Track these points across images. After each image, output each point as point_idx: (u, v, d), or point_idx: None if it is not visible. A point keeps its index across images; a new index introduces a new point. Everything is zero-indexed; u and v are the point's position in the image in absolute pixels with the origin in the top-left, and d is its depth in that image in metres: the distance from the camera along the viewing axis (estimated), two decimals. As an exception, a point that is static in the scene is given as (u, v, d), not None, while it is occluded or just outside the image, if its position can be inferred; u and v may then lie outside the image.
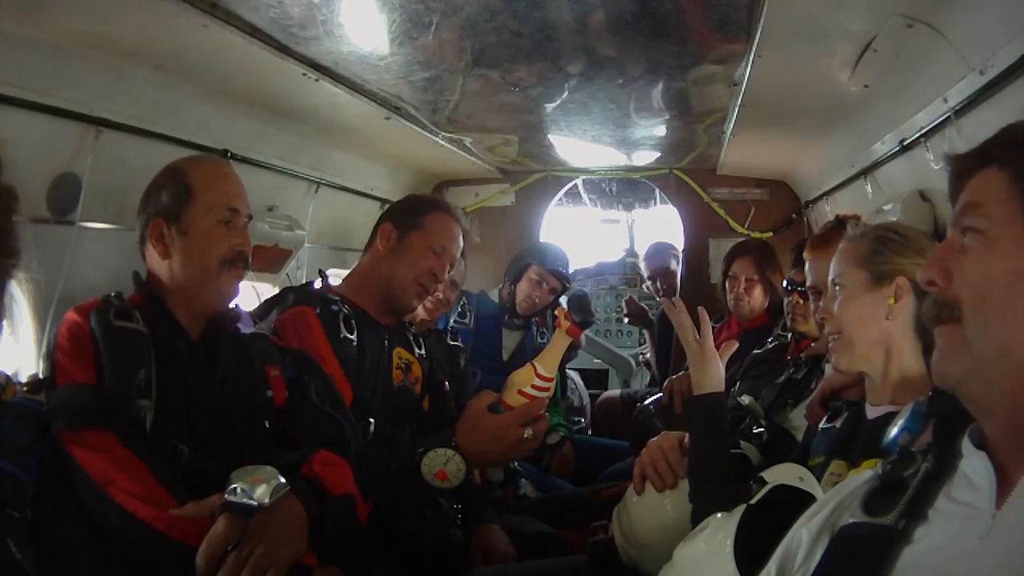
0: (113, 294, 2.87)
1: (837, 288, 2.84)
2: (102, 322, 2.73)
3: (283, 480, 2.59)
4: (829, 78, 3.81)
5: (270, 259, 4.69)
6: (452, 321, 6.02)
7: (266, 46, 3.32)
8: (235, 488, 2.49)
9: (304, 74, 3.68)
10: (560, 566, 3.51)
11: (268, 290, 4.88)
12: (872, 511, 1.61)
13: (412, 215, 3.90)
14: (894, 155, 4.24)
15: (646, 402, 5.08)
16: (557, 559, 3.70)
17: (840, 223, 3.67)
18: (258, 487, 2.51)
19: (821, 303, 3.53)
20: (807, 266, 3.73)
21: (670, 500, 2.98)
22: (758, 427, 3.71)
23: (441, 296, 5.00)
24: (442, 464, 3.28)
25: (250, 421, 3.03)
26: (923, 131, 3.69)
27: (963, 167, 1.55)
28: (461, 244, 4.00)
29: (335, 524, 2.82)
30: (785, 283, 4.66)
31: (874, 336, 2.75)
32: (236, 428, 2.97)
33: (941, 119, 3.44)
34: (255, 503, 2.48)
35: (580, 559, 3.43)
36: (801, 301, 4.42)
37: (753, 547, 2.18)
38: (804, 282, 4.23)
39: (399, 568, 3.36)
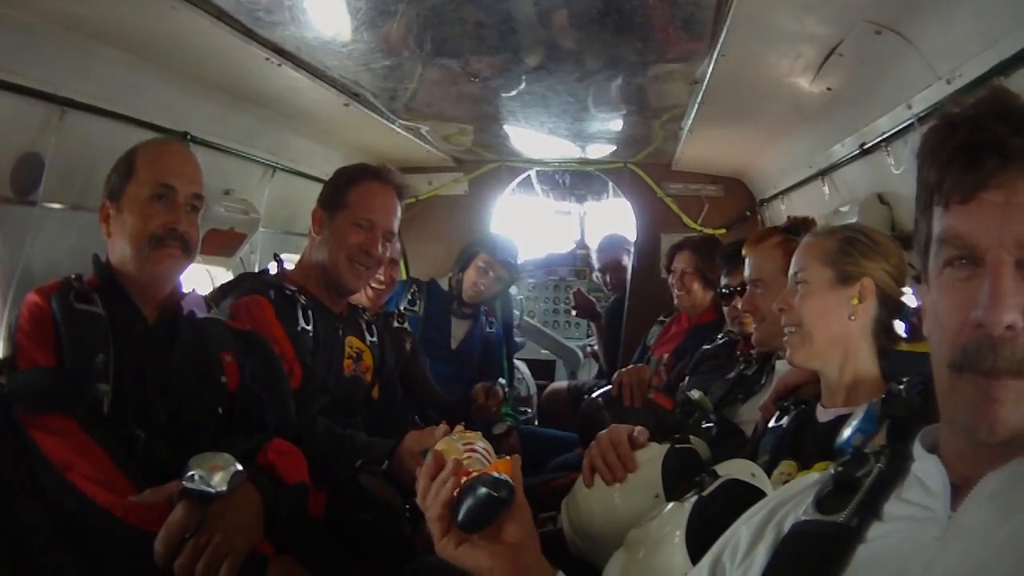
0: (73, 276, 2.85)
1: (799, 283, 2.85)
2: (63, 305, 2.72)
3: (240, 467, 2.61)
4: (792, 80, 3.84)
5: (224, 243, 4.65)
6: (403, 307, 6.01)
7: (232, 29, 3.29)
8: (193, 475, 2.51)
9: (267, 59, 3.66)
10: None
11: (222, 274, 4.88)
12: (825, 510, 1.59)
13: (337, 194, 3.85)
14: (853, 158, 4.28)
15: (594, 394, 5.06)
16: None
17: (789, 227, 3.71)
18: (215, 474, 2.53)
19: (761, 295, 3.58)
20: (747, 261, 3.75)
21: (619, 493, 2.97)
22: (707, 422, 3.72)
23: (383, 278, 4.98)
24: (378, 485, 3.31)
25: (204, 407, 3.03)
26: (885, 135, 3.74)
27: (1014, 148, 1.32)
28: (396, 207, 3.92)
29: (289, 513, 2.83)
30: (723, 289, 4.69)
31: (834, 333, 2.78)
32: (191, 414, 2.95)
33: (904, 125, 3.47)
34: (213, 490, 2.50)
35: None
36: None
37: (703, 538, 2.20)
38: (739, 286, 4.27)
39: (349, 559, 3.33)
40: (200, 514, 2.46)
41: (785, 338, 2.92)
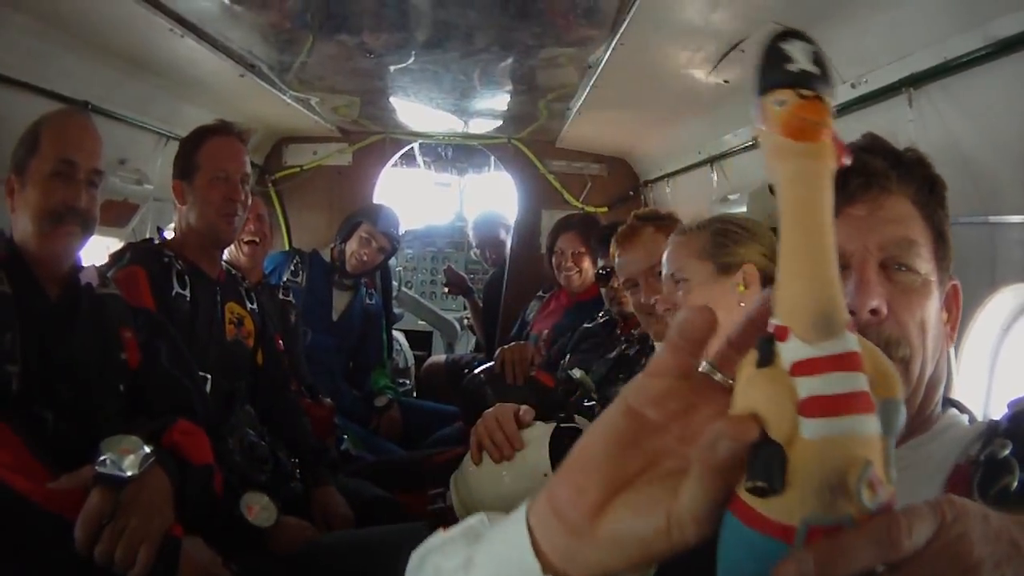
0: None
1: (679, 282, 2.89)
2: None
3: (148, 450, 2.63)
4: (688, 71, 3.90)
5: (118, 214, 4.62)
6: (285, 279, 6.01)
7: (140, -1, 3.26)
8: (104, 459, 2.53)
9: (171, 29, 3.62)
10: (401, 532, 3.56)
11: (116, 245, 4.77)
12: None
13: (187, 161, 3.87)
14: (746, 148, 4.37)
15: (477, 370, 5.11)
16: (398, 526, 3.76)
17: (640, 218, 3.80)
18: (126, 457, 2.56)
19: (641, 295, 3.66)
20: (618, 261, 3.81)
21: (507, 471, 3.03)
22: (589, 400, 3.78)
23: (253, 228, 5.03)
24: (257, 503, 3.36)
25: (106, 385, 3.00)
26: (782, 130, 3.77)
27: (878, 171, 1.61)
28: (242, 151, 3.96)
29: (196, 494, 2.86)
30: (600, 271, 4.75)
31: (726, 326, 2.83)
32: (93, 392, 2.93)
33: (803, 121, 3.52)
34: (125, 474, 2.52)
35: (420, 525, 3.47)
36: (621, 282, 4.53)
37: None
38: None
39: (250, 536, 3.34)
40: (114, 499, 2.48)
41: None
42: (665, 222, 3.72)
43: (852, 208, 1.60)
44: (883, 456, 0.77)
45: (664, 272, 3.01)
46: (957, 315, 1.70)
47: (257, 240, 5.12)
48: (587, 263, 5.77)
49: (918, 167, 1.65)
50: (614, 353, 4.18)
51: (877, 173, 1.60)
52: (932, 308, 1.57)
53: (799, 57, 0.81)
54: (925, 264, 1.57)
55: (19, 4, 3.20)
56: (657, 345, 3.76)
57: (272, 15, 3.67)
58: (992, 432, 1.48)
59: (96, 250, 4.54)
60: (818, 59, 0.81)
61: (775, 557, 0.73)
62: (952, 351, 2.66)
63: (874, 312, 1.52)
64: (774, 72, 0.81)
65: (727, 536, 0.78)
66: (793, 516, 0.73)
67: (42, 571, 2.47)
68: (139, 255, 3.68)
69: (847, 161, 0.79)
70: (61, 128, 2.98)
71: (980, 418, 1.67)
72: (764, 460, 0.73)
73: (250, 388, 3.95)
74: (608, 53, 3.78)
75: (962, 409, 1.70)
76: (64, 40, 3.62)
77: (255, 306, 4.14)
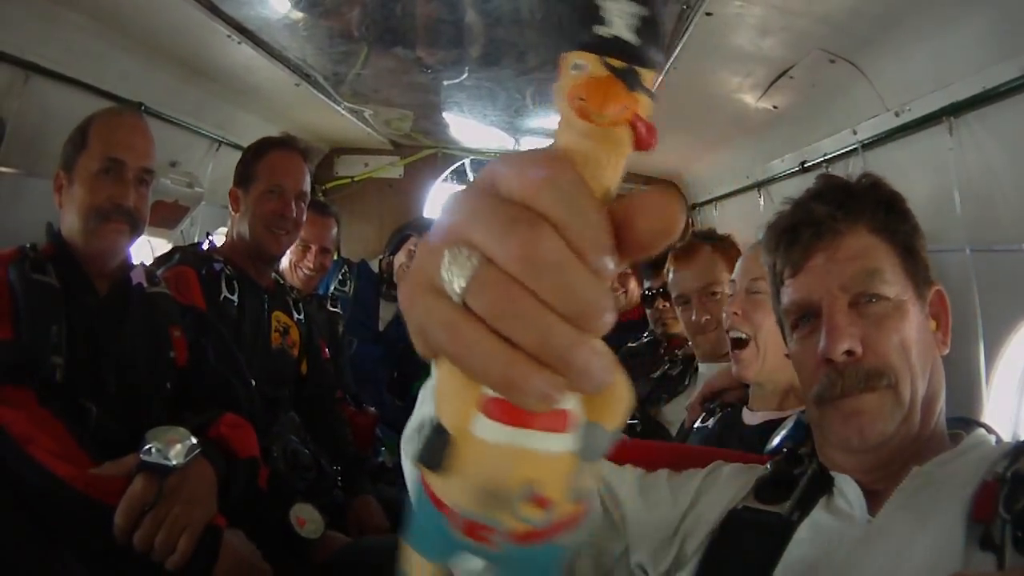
0: (28, 245, 2.85)
1: (755, 293, 2.85)
2: (20, 275, 2.72)
3: (195, 441, 2.65)
4: (738, 96, 3.93)
5: (167, 215, 4.66)
6: (333, 288, 6.04)
7: (198, 4, 3.30)
8: (151, 448, 2.54)
9: (229, 36, 3.67)
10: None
11: (163, 246, 4.80)
12: (764, 499, 1.71)
13: (247, 170, 3.92)
14: (793, 174, 4.37)
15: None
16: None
17: (699, 236, 3.81)
18: (172, 447, 2.57)
19: (692, 313, 3.66)
20: (672, 277, 3.81)
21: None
22: (632, 419, 3.79)
23: (312, 264, 5.04)
24: (308, 516, 3.38)
25: (153, 381, 3.03)
26: (827, 156, 3.83)
27: (822, 217, 1.68)
28: (303, 169, 3.97)
29: (241, 486, 2.87)
30: (646, 292, 4.76)
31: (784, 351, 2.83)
32: (140, 388, 2.96)
33: (848, 149, 3.57)
34: (170, 463, 2.54)
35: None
36: (667, 304, 4.51)
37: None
38: (661, 287, 4.35)
39: (289, 534, 3.37)
40: (158, 487, 2.50)
41: (735, 352, 2.93)
42: (723, 243, 3.72)
43: (810, 261, 1.69)
44: (565, 477, 0.70)
45: (745, 279, 2.93)
46: (947, 320, 1.76)
47: (315, 272, 5.14)
48: (633, 284, 5.77)
49: (870, 193, 1.72)
50: (658, 373, 4.19)
51: (823, 220, 1.67)
52: (910, 327, 1.63)
53: (617, 20, 0.64)
54: (893, 287, 1.64)
55: (77, 4, 3.26)
56: (701, 366, 3.77)
57: (329, 26, 3.73)
58: (1019, 450, 1.52)
59: (143, 249, 4.60)
60: (645, 27, 0.64)
61: (438, 526, 0.71)
62: (984, 376, 2.68)
63: (849, 353, 1.59)
64: (580, 29, 0.65)
65: (416, 491, 0.75)
66: (453, 501, 0.69)
67: (81, 556, 2.50)
68: (188, 257, 3.73)
69: (654, 143, 0.66)
70: (110, 126, 3.02)
71: (1010, 439, 1.70)
72: (429, 442, 0.69)
73: (293, 397, 3.96)
74: (661, 77, 3.81)
75: (989, 430, 1.73)
76: (122, 42, 3.68)
77: (302, 317, 4.16)
